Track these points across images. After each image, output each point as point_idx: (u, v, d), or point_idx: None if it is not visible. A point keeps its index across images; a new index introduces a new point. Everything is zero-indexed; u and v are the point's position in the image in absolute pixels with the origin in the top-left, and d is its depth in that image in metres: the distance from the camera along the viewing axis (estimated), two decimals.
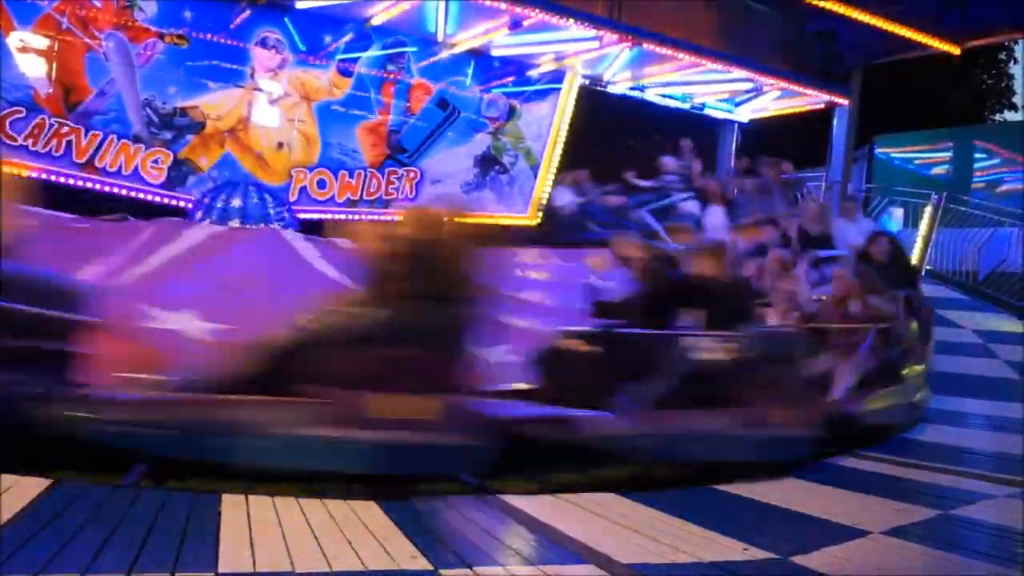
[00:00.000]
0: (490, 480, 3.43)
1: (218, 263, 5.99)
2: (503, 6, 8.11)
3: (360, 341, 3.35)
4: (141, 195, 7.67)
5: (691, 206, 9.45)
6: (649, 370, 4.19)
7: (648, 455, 3.91)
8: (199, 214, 7.77)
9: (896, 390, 5.45)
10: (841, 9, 9.85)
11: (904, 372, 5.72)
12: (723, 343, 4.35)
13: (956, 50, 10.64)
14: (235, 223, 7.74)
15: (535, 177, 9.98)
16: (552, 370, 4.50)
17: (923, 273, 9.91)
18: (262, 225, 7.89)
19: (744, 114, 11.49)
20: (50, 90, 7.25)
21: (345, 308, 3.54)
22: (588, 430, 3.74)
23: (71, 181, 7.39)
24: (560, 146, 10.04)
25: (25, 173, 7.12)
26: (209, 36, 7.85)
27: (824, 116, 11.55)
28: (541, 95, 9.92)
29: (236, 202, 7.91)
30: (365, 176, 8.88)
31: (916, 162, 15.35)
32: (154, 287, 5.35)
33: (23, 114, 7.13)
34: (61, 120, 7.32)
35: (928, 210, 10.44)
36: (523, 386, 4.51)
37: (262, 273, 5.95)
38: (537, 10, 8.16)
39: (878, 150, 15.77)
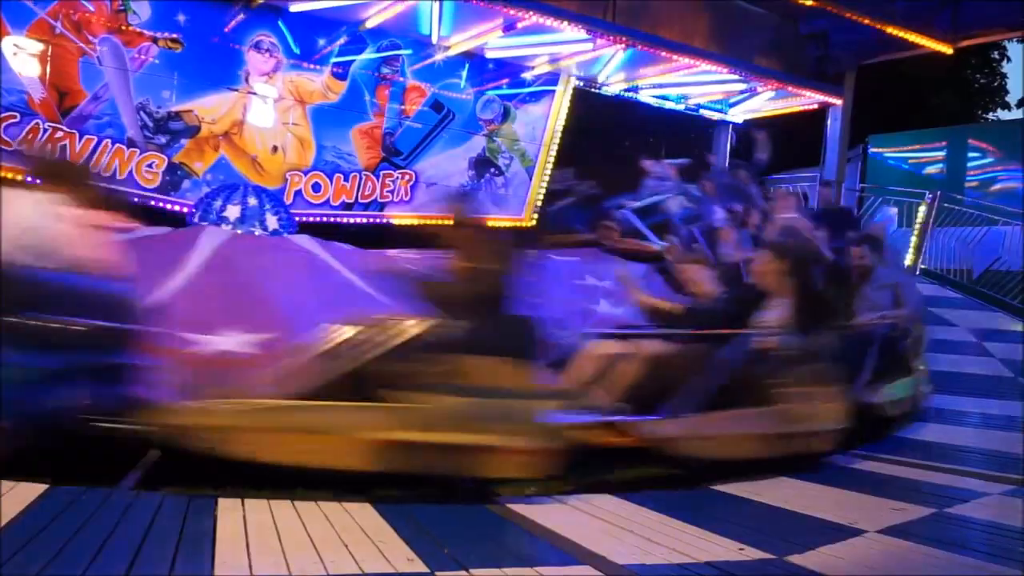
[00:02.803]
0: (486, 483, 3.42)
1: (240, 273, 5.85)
2: (497, 8, 8.11)
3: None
4: (135, 199, 7.64)
5: (674, 204, 9.29)
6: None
7: None
8: (197, 216, 7.76)
9: None
10: (834, 10, 9.88)
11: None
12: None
13: (949, 49, 10.68)
14: (229, 227, 7.73)
15: (530, 179, 9.99)
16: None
17: (918, 272, 9.96)
18: (259, 230, 7.89)
19: (738, 115, 11.51)
20: (44, 95, 7.22)
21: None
22: None
23: None
24: (555, 148, 10.05)
25: (20, 178, 7.10)
26: (203, 40, 7.84)
27: (818, 116, 11.59)
28: (536, 97, 9.93)
29: (235, 206, 7.90)
30: (360, 179, 8.87)
31: (910, 161, 15.40)
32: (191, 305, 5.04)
33: (17, 119, 7.10)
34: (55, 125, 7.29)
35: (922, 209, 10.48)
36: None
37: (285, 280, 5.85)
38: (531, 12, 8.16)
39: (872, 150, 15.82)
